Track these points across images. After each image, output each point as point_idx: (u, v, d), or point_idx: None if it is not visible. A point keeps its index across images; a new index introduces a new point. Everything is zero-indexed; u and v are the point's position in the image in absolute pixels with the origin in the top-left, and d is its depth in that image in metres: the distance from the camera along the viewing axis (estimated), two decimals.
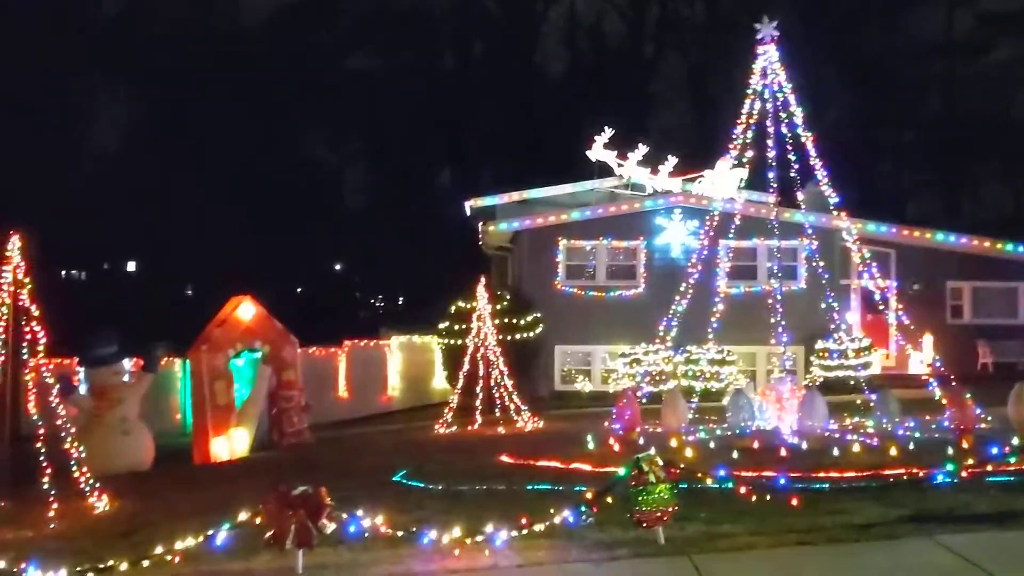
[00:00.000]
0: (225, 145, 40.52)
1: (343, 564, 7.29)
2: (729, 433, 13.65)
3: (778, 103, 15.99)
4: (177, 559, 7.39)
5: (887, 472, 10.20)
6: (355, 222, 47.78)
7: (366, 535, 7.92)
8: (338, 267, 51.09)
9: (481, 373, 18.00)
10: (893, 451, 11.63)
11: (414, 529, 7.93)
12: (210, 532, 7.67)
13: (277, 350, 16.91)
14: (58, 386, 14.95)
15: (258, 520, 7.28)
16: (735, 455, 11.87)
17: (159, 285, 44.24)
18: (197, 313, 19.53)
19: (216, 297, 18.10)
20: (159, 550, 7.56)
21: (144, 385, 15.60)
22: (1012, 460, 10.20)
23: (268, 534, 7.06)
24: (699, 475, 8.83)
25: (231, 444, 15.58)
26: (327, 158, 50.89)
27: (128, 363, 16.25)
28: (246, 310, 16.70)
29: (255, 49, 43.80)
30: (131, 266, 48.05)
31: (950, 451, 11.45)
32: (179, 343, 18.69)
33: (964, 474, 9.43)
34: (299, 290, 45.81)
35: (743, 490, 8.08)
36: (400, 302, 49.51)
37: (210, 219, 38.76)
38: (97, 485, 11.00)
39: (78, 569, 7.37)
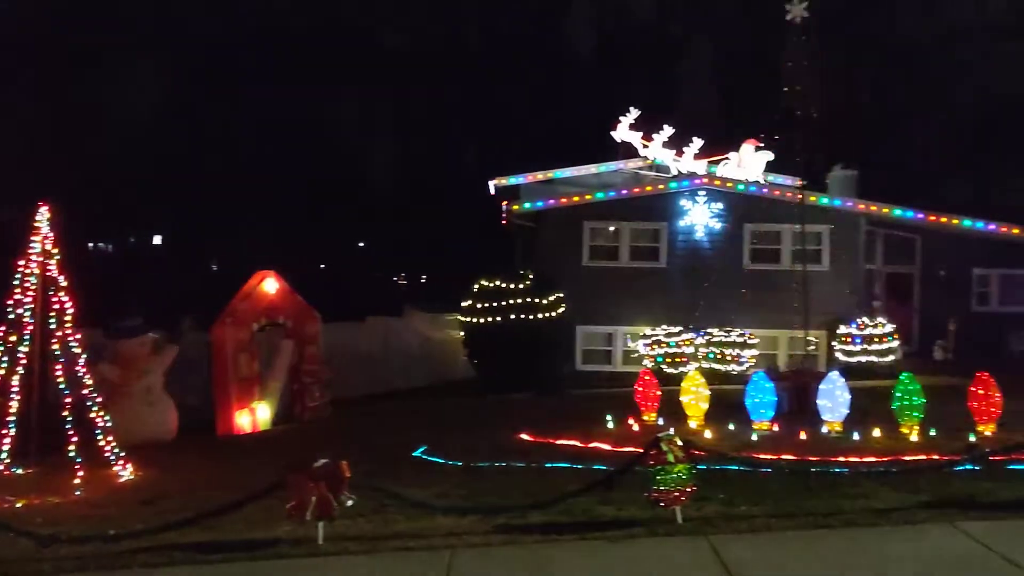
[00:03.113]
0: (252, 121, 40.71)
1: (363, 536, 7.38)
2: (749, 416, 13.61)
3: (806, 86, 15.82)
4: (199, 528, 7.52)
5: (907, 458, 10.18)
6: (380, 200, 47.95)
7: (386, 509, 8.04)
8: (362, 244, 51.34)
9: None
10: (914, 437, 11.59)
11: (433, 503, 8.01)
12: (232, 502, 7.79)
13: (300, 325, 17.06)
14: (84, 356, 15.19)
15: (279, 491, 7.38)
16: (754, 438, 11.88)
17: (185, 259, 44.65)
18: (222, 287, 19.69)
19: (241, 272, 18.24)
20: (181, 518, 7.70)
21: (169, 357, 15.79)
22: None
23: (289, 505, 7.16)
24: (719, 455, 8.84)
25: (254, 417, 15.76)
26: (353, 135, 51.00)
27: (153, 335, 16.45)
28: (270, 285, 16.85)
29: (285, 24, 43.85)
30: (157, 239, 48.48)
31: (972, 439, 11.39)
32: (204, 316, 18.88)
33: (986, 461, 9.36)
34: (323, 266, 46.03)
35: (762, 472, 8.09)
36: (423, 280, 49.67)
37: (236, 195, 39.00)
38: (122, 454, 11.19)
39: (104, 535, 7.52)
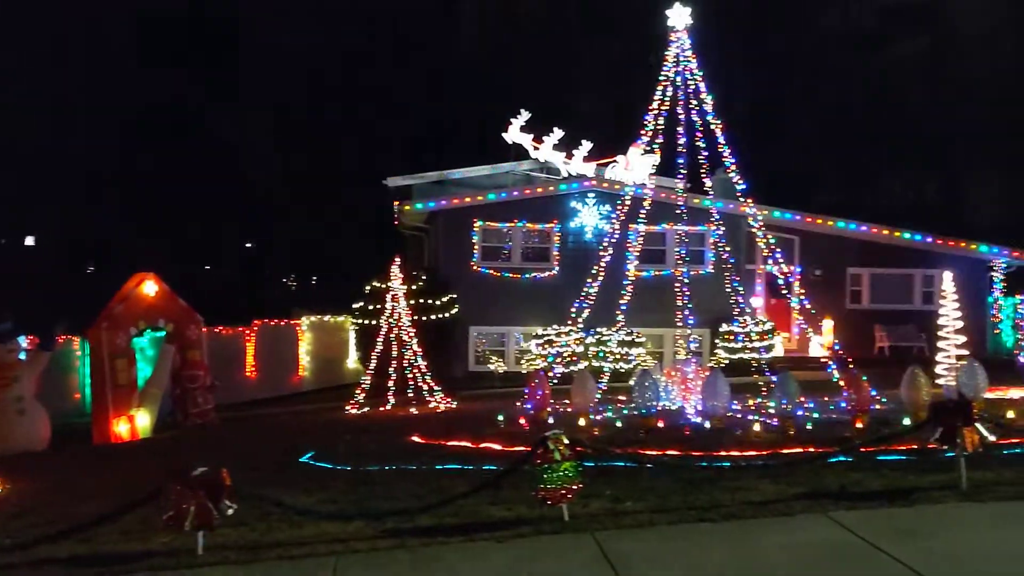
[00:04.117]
0: (131, 117, 39.16)
1: (245, 545, 7.18)
2: (636, 413, 13.92)
3: (688, 90, 16.24)
4: (73, 540, 7.20)
5: (785, 451, 10.57)
6: (268, 200, 46.82)
7: (271, 516, 7.85)
8: (249, 245, 49.98)
9: (395, 354, 17.89)
10: (791, 431, 12.04)
11: (319, 510, 7.87)
12: (107, 512, 7.49)
13: (181, 329, 16.52)
14: None
15: (158, 501, 7.12)
16: (640, 434, 12.11)
17: (59, 260, 42.63)
18: (99, 290, 18.92)
19: (119, 274, 17.57)
20: (53, 531, 7.35)
21: (40, 363, 15.08)
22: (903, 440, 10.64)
23: (167, 515, 6.91)
24: (605, 453, 8.99)
25: (132, 424, 15.19)
26: (241, 134, 49.71)
27: (23, 340, 15.69)
28: (149, 288, 16.25)
29: (160, 15, 42.32)
30: (30, 240, 46.20)
31: (846, 431, 11.92)
32: (79, 320, 18.10)
33: (858, 453, 9.80)
34: (207, 268, 44.70)
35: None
36: (313, 281, 48.80)
37: (113, 194, 37.45)
38: None
39: None
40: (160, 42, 39.77)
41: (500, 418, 13.70)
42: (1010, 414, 12.64)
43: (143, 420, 15.39)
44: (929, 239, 25.54)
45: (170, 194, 39.28)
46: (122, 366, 15.31)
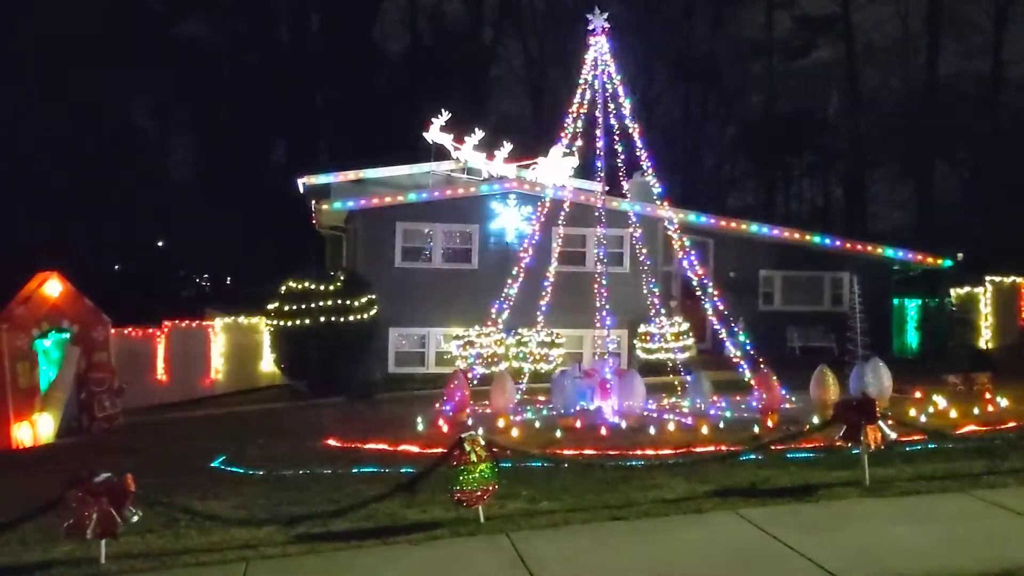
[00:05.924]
0: (39, 108, 37.61)
1: (151, 553, 6.98)
2: (555, 413, 14.00)
3: (607, 94, 16.42)
4: None
5: (698, 449, 10.78)
6: (181, 196, 45.51)
7: (179, 523, 7.65)
8: (161, 243, 48.50)
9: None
10: (704, 430, 12.28)
11: (229, 515, 7.70)
12: (6, 522, 7.19)
13: (87, 330, 15.98)
14: None
15: (59, 509, 6.87)
16: (558, 434, 12.20)
17: None
18: None
19: (22, 273, 16.89)
20: None
21: None
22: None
23: (68, 523, 6.66)
24: (522, 453, 9.02)
25: (35, 429, 14.62)
26: (152, 127, 48.33)
27: None
28: (53, 287, 15.66)
29: (79, 7, 40.75)
30: None
31: (756, 429, 12.21)
32: None
33: (767, 450, 10.04)
34: (116, 267, 43.30)
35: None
36: (228, 282, 47.69)
37: (18, 187, 35.94)
38: None
39: None
40: (68, 27, 38.27)
41: (419, 420, 13.62)
42: (912, 412, 13.14)
43: (46, 425, 14.83)
44: (837, 242, 26.31)
45: (77, 189, 37.86)
46: (24, 369, 14.70)
